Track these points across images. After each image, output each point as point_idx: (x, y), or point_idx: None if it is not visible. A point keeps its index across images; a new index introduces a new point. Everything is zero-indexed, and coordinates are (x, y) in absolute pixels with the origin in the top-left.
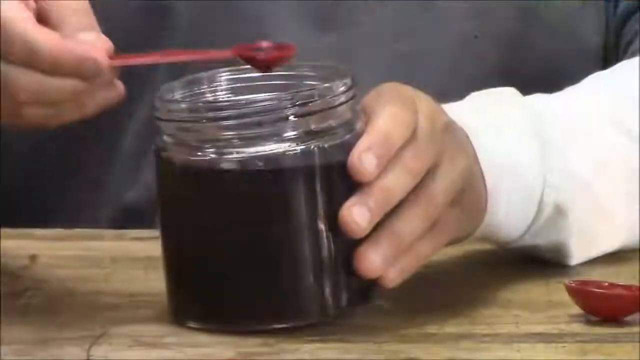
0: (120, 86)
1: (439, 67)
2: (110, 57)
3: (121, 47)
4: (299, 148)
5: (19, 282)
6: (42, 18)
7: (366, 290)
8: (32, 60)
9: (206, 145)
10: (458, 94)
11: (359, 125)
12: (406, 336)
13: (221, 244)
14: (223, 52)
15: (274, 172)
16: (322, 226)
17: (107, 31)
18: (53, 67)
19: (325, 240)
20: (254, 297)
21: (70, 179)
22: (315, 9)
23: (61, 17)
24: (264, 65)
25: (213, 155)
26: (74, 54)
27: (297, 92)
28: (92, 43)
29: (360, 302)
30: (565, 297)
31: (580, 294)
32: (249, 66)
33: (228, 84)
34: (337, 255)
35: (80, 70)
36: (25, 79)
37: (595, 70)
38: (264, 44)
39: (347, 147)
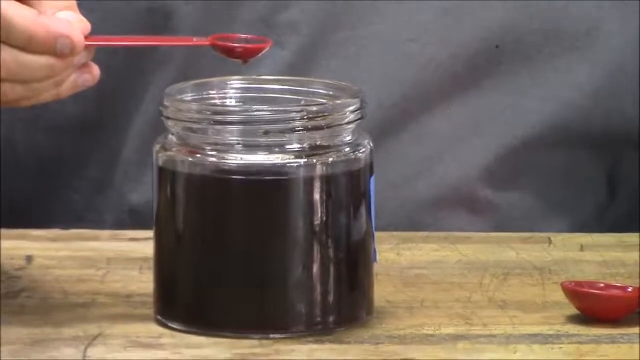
0: (96, 69)
1: (454, 73)
2: (87, 38)
3: (124, 47)
4: (302, 161)
5: (15, 283)
6: None
7: (357, 307)
8: (7, 36)
9: (209, 148)
10: (468, 103)
11: (364, 146)
12: (403, 337)
13: (214, 248)
14: (199, 40)
15: (273, 183)
16: (317, 241)
17: (110, 32)
18: (27, 43)
19: (319, 255)
20: (241, 305)
21: (73, 181)
22: (325, 8)
23: None
24: (238, 57)
25: (214, 159)
26: (49, 30)
27: (306, 105)
28: (69, 22)
29: (350, 319)
30: (562, 297)
31: (576, 294)
32: (260, 76)
33: (238, 92)
34: (330, 270)
35: (55, 48)
36: (1, 55)
37: None
38: (240, 36)
39: (350, 166)
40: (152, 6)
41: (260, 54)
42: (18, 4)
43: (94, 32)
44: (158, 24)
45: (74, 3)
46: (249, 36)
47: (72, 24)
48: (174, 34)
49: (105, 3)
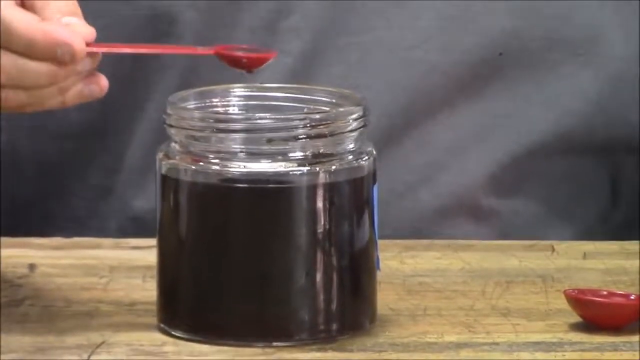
0: (104, 80)
1: (457, 81)
2: (89, 44)
3: (128, 55)
4: (305, 169)
5: (18, 291)
6: (26, 2)
7: (360, 315)
8: (8, 41)
9: (212, 156)
10: (472, 110)
11: (367, 153)
12: (406, 345)
13: (217, 256)
14: (204, 50)
15: (276, 191)
16: (320, 249)
17: (114, 37)
18: (28, 49)
19: (322, 263)
20: (245, 313)
21: (77, 188)
22: (328, 15)
23: (44, 1)
24: (244, 67)
25: (217, 167)
26: (49, 37)
27: (309, 113)
28: (71, 28)
29: (353, 327)
30: (565, 305)
31: (579, 302)
32: (263, 84)
33: (241, 100)
34: (333, 278)
35: (55, 54)
36: (1, 60)
37: None
38: (245, 46)
39: (353, 174)
40: (156, 12)
41: (265, 64)
42: (20, 9)
43: (98, 39)
44: (162, 30)
45: (78, 8)
46: (253, 46)
47: (74, 31)
48: (177, 40)
49: (109, 9)
